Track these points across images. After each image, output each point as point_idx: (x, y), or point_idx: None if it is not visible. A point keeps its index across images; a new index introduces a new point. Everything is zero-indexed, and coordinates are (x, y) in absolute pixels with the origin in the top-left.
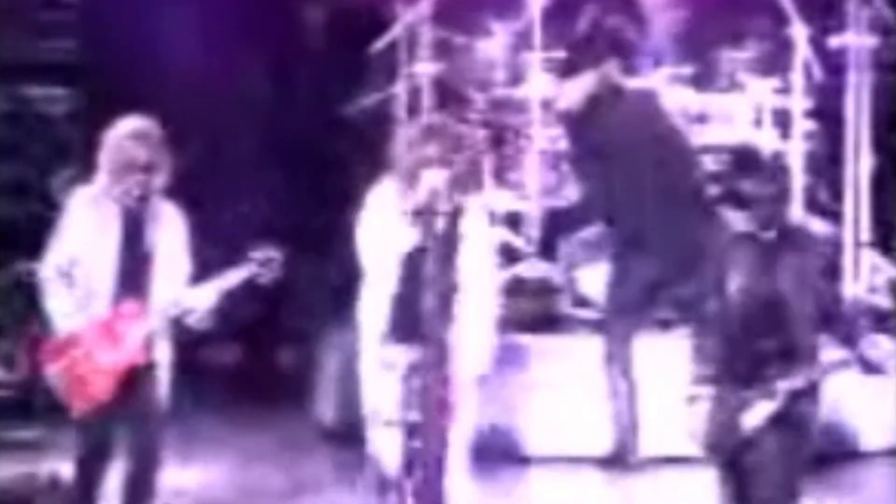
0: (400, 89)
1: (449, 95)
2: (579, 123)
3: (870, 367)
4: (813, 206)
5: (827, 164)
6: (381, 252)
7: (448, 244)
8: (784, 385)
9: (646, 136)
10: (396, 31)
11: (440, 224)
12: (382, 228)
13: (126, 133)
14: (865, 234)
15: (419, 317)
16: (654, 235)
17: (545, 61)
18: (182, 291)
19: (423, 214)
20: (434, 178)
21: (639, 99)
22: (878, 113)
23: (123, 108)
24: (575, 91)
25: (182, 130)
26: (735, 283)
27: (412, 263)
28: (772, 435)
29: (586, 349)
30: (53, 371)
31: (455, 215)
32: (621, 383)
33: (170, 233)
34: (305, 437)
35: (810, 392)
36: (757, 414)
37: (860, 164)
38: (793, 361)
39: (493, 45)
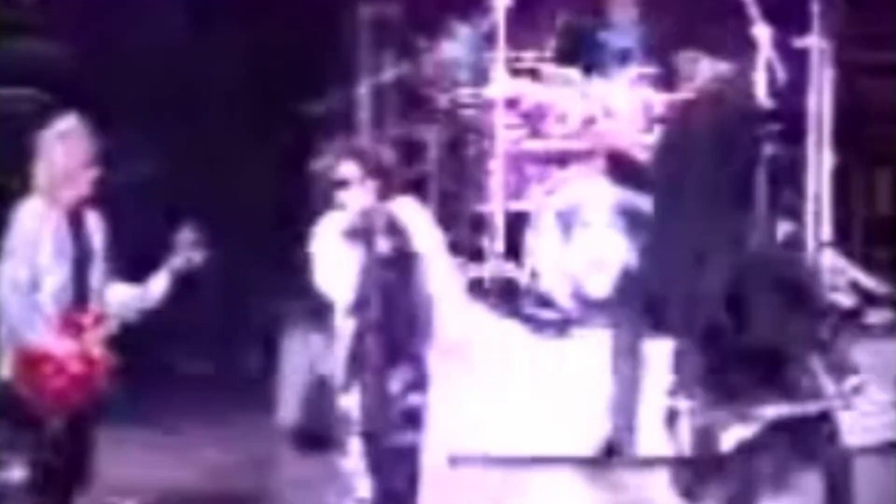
0: (363, 90)
1: (412, 96)
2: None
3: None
4: (775, 206)
5: (789, 164)
6: (339, 280)
7: (395, 257)
8: (762, 412)
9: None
10: (361, 31)
11: (382, 239)
12: (334, 257)
13: (63, 136)
14: (826, 235)
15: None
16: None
17: (509, 62)
18: (129, 291)
19: (359, 233)
20: (356, 199)
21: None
22: (842, 113)
23: (91, 107)
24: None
25: (146, 126)
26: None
27: (365, 283)
28: (752, 461)
29: (554, 349)
30: (25, 384)
31: (391, 227)
32: (627, 377)
33: (100, 233)
34: (270, 443)
35: (802, 428)
36: (731, 438)
37: (822, 164)
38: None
39: (456, 45)
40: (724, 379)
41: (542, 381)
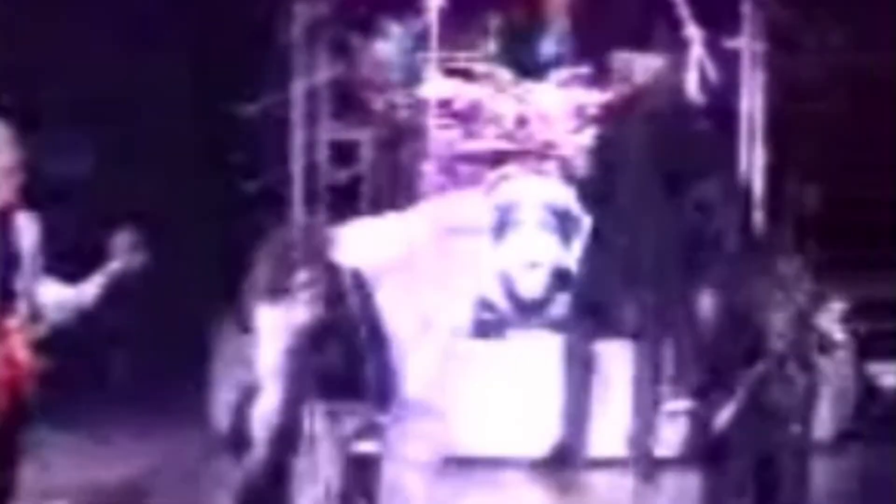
0: (297, 91)
1: (346, 97)
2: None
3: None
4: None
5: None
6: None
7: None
8: (744, 377)
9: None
10: (295, 31)
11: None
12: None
13: None
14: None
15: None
16: (631, 225)
17: (443, 62)
18: (63, 292)
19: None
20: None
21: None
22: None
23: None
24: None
25: (80, 127)
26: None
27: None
28: (743, 428)
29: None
30: None
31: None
32: (578, 381)
33: (31, 235)
34: (203, 448)
35: (775, 378)
36: (725, 413)
37: (753, 164)
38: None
39: (390, 45)
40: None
41: (490, 382)
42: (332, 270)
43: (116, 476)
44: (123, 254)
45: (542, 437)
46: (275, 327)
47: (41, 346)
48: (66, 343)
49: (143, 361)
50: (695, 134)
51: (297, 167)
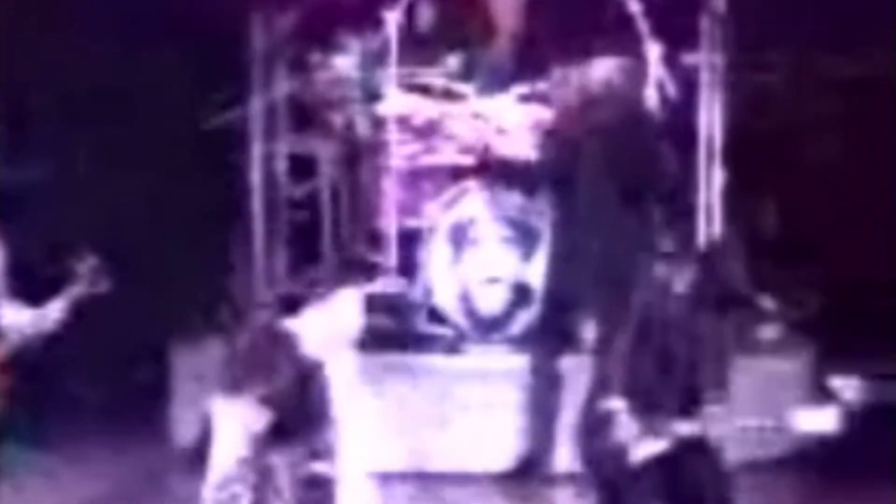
0: (256, 106)
1: (305, 111)
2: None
3: None
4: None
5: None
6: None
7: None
8: (675, 428)
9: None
10: (256, 46)
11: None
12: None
13: None
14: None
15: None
16: (594, 238)
17: (402, 78)
18: (26, 314)
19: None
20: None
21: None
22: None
23: None
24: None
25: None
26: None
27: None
28: (656, 475)
29: (441, 367)
30: None
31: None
32: (544, 398)
33: None
34: (164, 462)
35: (702, 445)
36: (644, 450)
37: (712, 179)
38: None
39: (349, 61)
40: (646, 390)
41: (452, 398)
42: (297, 363)
43: (89, 495)
44: (86, 278)
45: (504, 452)
46: (235, 427)
47: (5, 367)
48: (30, 363)
49: (111, 379)
50: (648, 146)
51: (255, 179)
